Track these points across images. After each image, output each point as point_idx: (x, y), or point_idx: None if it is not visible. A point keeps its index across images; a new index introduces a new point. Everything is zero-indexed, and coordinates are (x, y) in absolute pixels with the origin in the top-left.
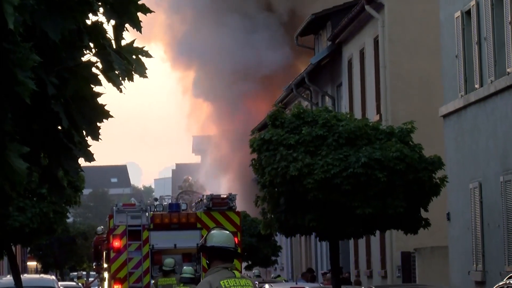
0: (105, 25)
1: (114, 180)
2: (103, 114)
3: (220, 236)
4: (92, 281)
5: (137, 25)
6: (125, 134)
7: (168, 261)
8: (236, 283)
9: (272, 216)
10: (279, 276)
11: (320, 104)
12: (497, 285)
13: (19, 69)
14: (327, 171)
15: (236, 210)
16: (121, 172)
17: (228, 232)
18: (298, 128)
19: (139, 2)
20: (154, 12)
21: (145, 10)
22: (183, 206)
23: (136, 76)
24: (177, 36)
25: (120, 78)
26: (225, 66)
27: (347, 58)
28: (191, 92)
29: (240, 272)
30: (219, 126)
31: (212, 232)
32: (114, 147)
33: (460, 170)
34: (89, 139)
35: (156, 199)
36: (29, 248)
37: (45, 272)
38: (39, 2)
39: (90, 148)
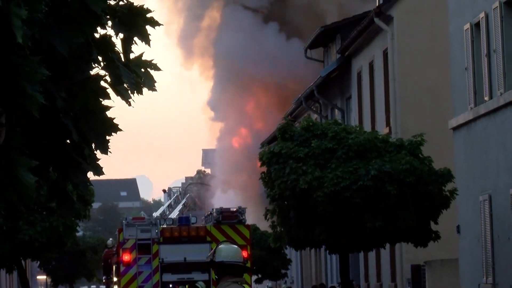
0: (113, 39)
1: (123, 193)
2: (112, 127)
3: (228, 251)
4: None
5: (145, 38)
6: (135, 147)
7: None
8: None
9: (282, 229)
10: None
11: (329, 117)
12: None
13: (28, 82)
14: (336, 184)
15: (246, 223)
16: (130, 185)
17: (236, 246)
18: (307, 141)
19: (148, 15)
20: (162, 25)
21: (154, 23)
22: (193, 220)
23: (145, 89)
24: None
25: (129, 92)
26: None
27: (356, 70)
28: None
29: (250, 286)
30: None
31: (220, 246)
32: (123, 160)
33: (470, 182)
34: (98, 153)
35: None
36: (38, 262)
37: (55, 286)
38: (48, 16)
39: (99, 162)
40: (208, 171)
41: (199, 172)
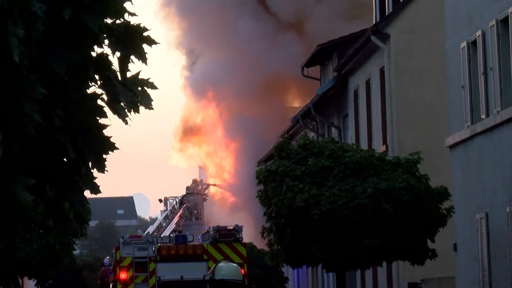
0: (110, 57)
1: (120, 211)
2: (109, 146)
3: (228, 269)
4: None
5: (142, 57)
6: (132, 165)
7: None
8: None
9: (279, 247)
10: None
11: (326, 135)
12: None
13: (25, 101)
14: (333, 202)
15: (243, 241)
16: (127, 203)
17: (235, 264)
18: (304, 159)
19: (145, 34)
20: (159, 43)
21: (150, 42)
22: (190, 238)
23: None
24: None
25: (126, 110)
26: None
27: (353, 88)
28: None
29: None
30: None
31: (220, 264)
32: (120, 178)
33: (467, 200)
34: (94, 171)
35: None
36: (35, 280)
37: None
38: (45, 34)
39: (96, 180)
40: (204, 180)
41: (194, 181)
